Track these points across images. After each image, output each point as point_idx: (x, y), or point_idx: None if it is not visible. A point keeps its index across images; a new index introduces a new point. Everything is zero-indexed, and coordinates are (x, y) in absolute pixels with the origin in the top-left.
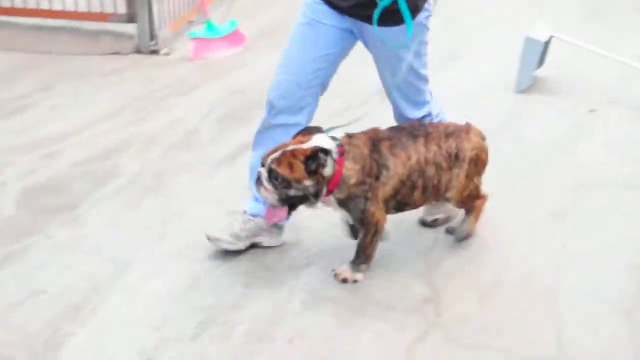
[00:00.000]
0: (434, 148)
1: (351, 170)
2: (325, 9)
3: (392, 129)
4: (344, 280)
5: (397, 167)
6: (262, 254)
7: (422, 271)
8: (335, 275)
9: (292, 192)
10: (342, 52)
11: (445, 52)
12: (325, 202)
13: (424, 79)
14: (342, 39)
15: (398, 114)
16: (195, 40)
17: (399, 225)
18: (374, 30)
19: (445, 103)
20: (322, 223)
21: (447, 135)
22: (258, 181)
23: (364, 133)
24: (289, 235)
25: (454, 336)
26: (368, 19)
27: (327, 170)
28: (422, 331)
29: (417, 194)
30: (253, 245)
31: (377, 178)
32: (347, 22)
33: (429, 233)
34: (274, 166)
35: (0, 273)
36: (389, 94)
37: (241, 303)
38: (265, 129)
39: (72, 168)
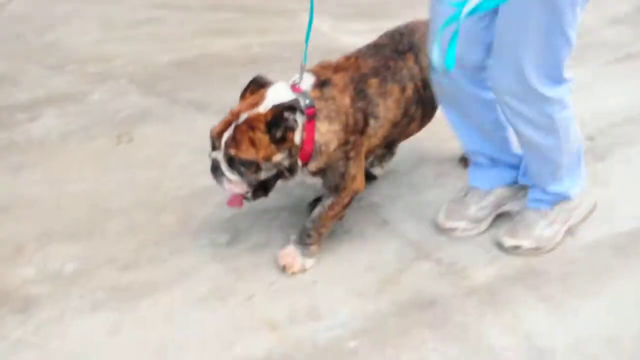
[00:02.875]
0: (426, 61)
1: (327, 133)
2: None
3: (372, 53)
4: (293, 274)
5: (388, 111)
6: None
7: None
8: (283, 268)
9: (263, 174)
10: None
11: None
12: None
13: (569, 43)
14: None
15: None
16: None
17: None
18: None
19: None
20: None
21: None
22: (216, 171)
23: (343, 72)
24: None
25: None
26: None
27: (297, 137)
28: None
29: (414, 125)
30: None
31: (362, 132)
32: None
33: None
34: (232, 152)
35: None
36: (509, 53)
37: None
38: None
39: None
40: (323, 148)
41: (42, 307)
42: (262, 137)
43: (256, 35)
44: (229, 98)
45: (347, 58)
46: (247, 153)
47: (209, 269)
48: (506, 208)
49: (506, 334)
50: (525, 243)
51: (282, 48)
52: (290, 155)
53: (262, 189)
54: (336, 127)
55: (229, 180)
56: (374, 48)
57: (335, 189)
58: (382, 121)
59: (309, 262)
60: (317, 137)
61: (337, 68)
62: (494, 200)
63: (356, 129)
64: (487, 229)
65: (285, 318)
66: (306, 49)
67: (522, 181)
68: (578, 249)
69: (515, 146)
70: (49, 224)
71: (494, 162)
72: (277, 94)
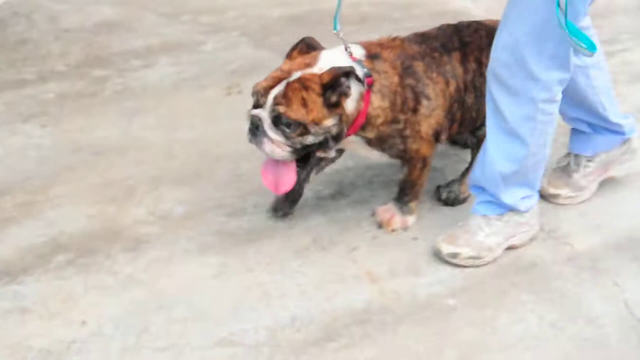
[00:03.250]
0: (472, 66)
1: (377, 108)
2: None
3: (418, 40)
4: (393, 231)
5: (437, 97)
6: None
7: None
8: (379, 224)
9: (309, 139)
10: None
11: None
12: (346, 143)
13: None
14: None
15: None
16: None
17: None
18: None
19: None
20: None
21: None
22: (255, 130)
23: (390, 49)
24: None
25: None
26: None
27: (350, 105)
28: None
29: (453, 128)
30: None
31: (415, 111)
32: None
33: None
34: (281, 109)
35: None
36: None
37: None
38: None
39: None
40: (372, 120)
41: (151, 246)
42: (316, 99)
43: None
44: None
45: (392, 39)
46: (297, 113)
47: (312, 220)
48: (610, 174)
49: (605, 302)
50: (464, 251)
51: (392, 9)
52: (340, 122)
53: (301, 158)
54: (386, 103)
55: (271, 140)
56: (421, 37)
57: (402, 159)
58: (434, 103)
59: (411, 219)
60: (370, 109)
61: (383, 45)
62: (596, 167)
63: (405, 108)
64: (591, 197)
65: (386, 272)
66: (336, 16)
67: (471, 191)
68: None
69: (613, 113)
70: (161, 168)
71: (594, 128)
72: (332, 58)
